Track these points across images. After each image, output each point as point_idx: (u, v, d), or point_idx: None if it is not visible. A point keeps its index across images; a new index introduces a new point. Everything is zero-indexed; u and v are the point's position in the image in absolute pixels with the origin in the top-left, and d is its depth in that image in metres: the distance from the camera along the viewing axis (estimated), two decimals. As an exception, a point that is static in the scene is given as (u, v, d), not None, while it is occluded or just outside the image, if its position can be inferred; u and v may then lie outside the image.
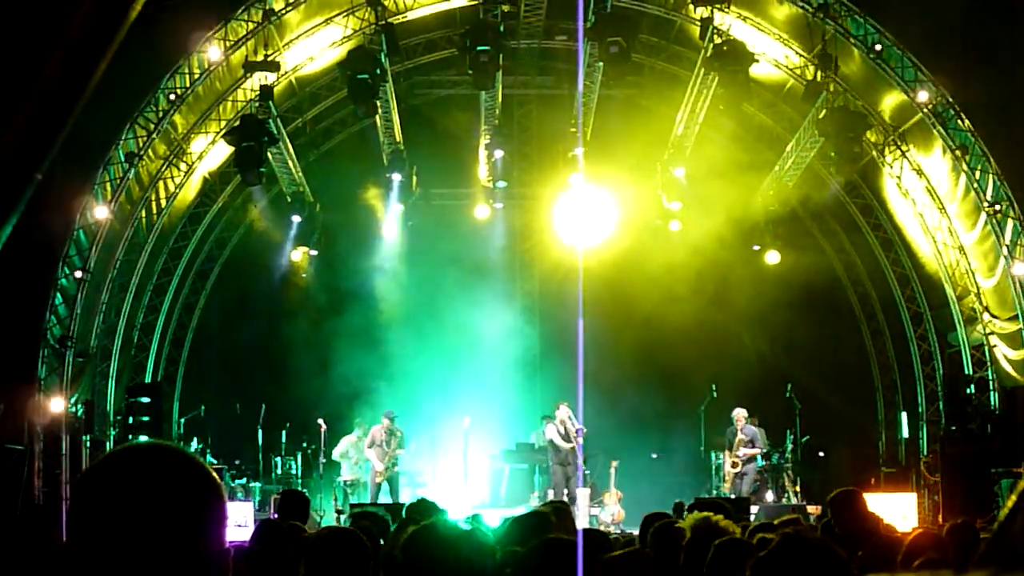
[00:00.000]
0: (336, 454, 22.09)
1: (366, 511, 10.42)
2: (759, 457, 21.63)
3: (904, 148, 21.50)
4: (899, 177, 21.99)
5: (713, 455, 22.24)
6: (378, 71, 19.97)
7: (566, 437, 21.56)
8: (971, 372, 22.14)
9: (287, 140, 22.26)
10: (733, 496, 19.89)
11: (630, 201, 24.51)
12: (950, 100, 19.94)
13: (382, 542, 6.61)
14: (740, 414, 21.56)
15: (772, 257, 24.25)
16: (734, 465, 21.31)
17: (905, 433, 24.24)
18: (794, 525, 6.97)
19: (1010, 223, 19.91)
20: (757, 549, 4.18)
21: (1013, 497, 1.71)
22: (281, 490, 18.76)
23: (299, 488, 22.02)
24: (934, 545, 6.68)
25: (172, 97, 20.10)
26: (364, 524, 5.37)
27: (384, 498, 20.87)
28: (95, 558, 2.10)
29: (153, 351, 24.25)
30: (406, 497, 20.02)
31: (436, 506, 9.13)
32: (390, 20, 20.69)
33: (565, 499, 19.65)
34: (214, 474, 2.21)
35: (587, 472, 22.34)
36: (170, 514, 2.10)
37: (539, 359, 24.32)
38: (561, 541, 4.72)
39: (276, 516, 10.10)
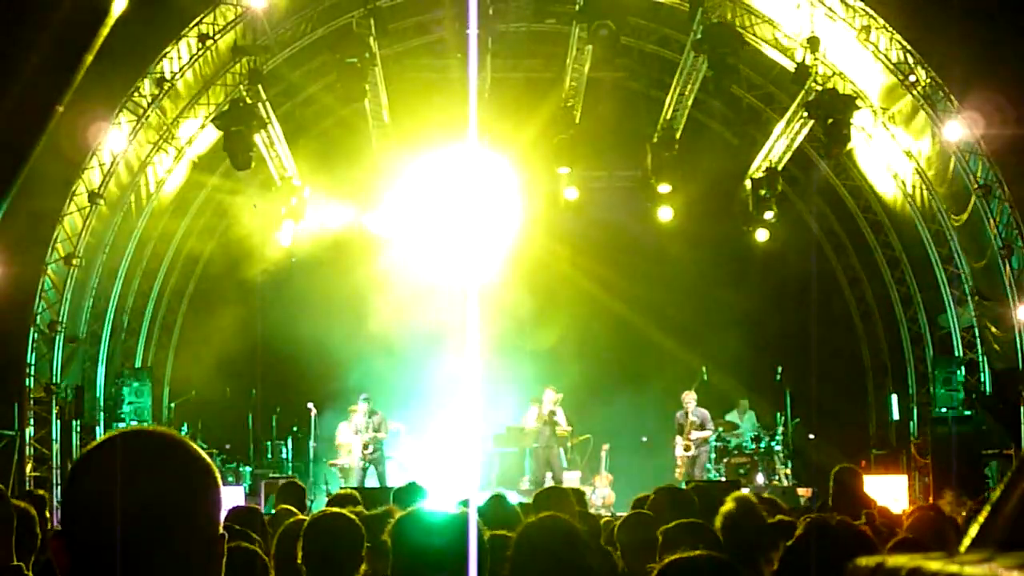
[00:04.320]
0: (339, 442, 22.00)
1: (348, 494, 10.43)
2: (748, 439, 21.66)
3: (893, 129, 21.50)
4: (888, 159, 22.02)
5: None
6: (367, 55, 19.92)
7: (546, 421, 21.49)
8: (961, 354, 22.19)
9: (276, 123, 22.15)
10: (685, 482, 19.78)
11: (620, 184, 24.49)
12: (939, 82, 19.94)
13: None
14: (689, 397, 21.54)
15: (761, 236, 24.25)
16: (687, 448, 21.27)
17: (895, 415, 24.27)
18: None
19: (1000, 205, 19.94)
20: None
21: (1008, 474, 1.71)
22: (282, 479, 18.63)
23: (290, 472, 22.08)
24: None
25: (160, 82, 20.05)
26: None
27: (372, 482, 20.86)
28: (89, 543, 2.10)
29: (143, 336, 24.23)
30: (394, 482, 20.01)
31: (424, 491, 9.13)
32: (379, 3, 20.66)
33: (550, 483, 19.71)
34: (208, 459, 2.21)
35: (573, 457, 22.37)
36: (165, 499, 2.10)
37: (530, 343, 24.26)
38: (548, 523, 4.72)
39: (278, 505, 10.41)
